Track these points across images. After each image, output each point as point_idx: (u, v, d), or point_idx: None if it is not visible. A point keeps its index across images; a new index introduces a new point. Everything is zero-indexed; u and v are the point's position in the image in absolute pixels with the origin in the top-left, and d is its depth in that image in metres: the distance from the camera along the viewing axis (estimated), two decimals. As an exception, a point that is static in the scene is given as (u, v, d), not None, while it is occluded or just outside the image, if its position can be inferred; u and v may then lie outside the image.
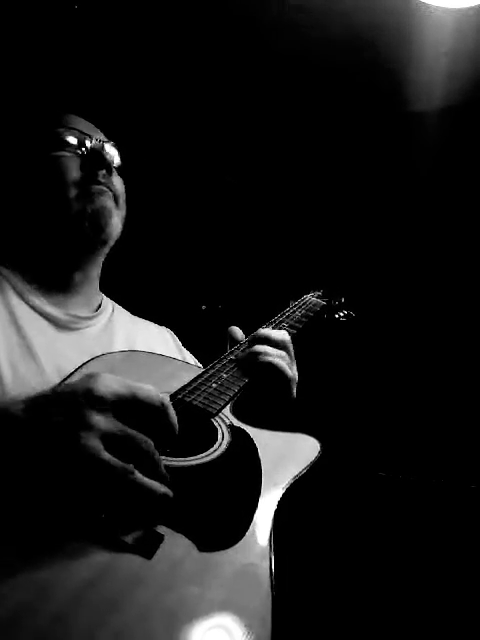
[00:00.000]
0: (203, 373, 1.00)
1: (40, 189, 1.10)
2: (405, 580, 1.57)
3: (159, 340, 1.29)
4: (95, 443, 0.65)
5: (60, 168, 1.09)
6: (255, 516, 0.72)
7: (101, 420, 0.67)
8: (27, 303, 1.05)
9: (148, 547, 0.63)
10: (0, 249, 1.15)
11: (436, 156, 2.28)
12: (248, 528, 0.70)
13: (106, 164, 1.12)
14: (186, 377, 0.98)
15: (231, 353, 1.07)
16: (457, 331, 2.27)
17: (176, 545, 0.64)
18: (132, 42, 2.08)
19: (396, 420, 2.11)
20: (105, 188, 1.11)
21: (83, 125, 1.17)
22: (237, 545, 0.67)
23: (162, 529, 0.66)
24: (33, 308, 1.05)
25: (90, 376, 0.71)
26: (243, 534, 0.68)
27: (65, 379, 0.89)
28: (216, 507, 0.73)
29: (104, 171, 1.12)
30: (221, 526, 0.70)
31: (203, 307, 2.22)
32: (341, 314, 1.42)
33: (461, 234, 2.32)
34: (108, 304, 1.26)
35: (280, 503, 0.75)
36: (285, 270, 2.17)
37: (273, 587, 0.63)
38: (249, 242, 2.41)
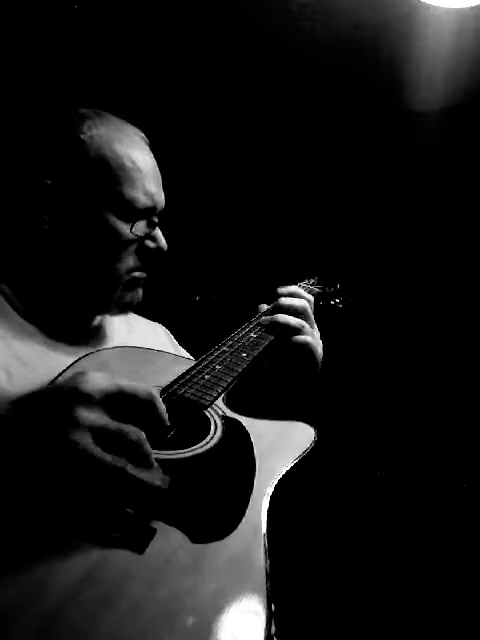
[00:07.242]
0: (195, 365, 1.00)
1: (89, 252, 1.01)
2: (404, 579, 1.56)
3: (153, 337, 1.28)
4: (84, 438, 0.64)
5: (122, 251, 1.01)
6: (249, 505, 0.70)
7: (89, 415, 0.66)
8: (17, 310, 1.02)
9: (140, 542, 0.62)
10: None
11: (436, 156, 2.28)
12: (242, 518, 0.68)
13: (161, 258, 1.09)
14: (179, 370, 0.97)
15: (223, 344, 1.07)
16: (457, 329, 2.26)
17: (169, 538, 0.64)
18: (133, 43, 2.09)
19: (396, 420, 2.11)
20: (145, 275, 1.09)
21: (160, 197, 1.07)
22: (231, 535, 0.66)
23: (154, 523, 0.65)
24: (22, 315, 1.02)
25: (76, 374, 0.70)
26: (237, 524, 0.67)
27: (56, 377, 0.88)
28: (209, 498, 0.72)
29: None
30: (215, 517, 0.69)
31: (197, 298, 2.21)
32: (337, 300, 1.40)
33: (459, 226, 2.32)
34: None
35: (275, 491, 0.73)
36: (279, 257, 2.16)
37: (268, 578, 0.62)
38: (243, 230, 2.40)
